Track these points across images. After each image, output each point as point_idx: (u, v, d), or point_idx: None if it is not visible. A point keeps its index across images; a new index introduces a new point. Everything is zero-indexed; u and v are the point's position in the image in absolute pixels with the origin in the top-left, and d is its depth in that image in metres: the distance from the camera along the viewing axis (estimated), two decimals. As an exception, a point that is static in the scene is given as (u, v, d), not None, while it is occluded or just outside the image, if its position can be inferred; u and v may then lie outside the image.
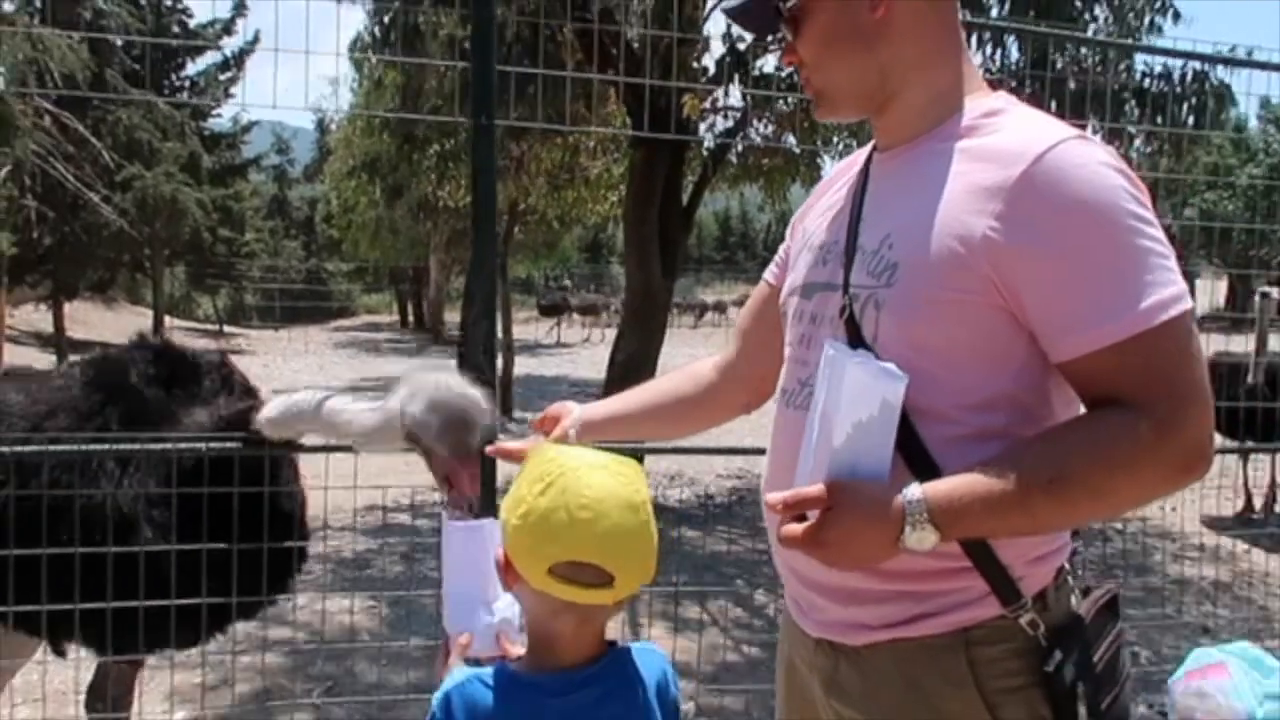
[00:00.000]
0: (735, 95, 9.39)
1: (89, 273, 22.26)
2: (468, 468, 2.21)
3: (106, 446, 2.77)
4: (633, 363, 9.34)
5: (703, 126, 9.75)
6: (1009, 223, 1.35)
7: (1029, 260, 1.35)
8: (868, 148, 1.65)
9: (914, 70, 1.51)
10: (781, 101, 8.78)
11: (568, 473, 1.36)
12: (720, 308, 37.63)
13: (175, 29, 26.49)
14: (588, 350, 25.90)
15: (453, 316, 32.03)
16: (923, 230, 1.41)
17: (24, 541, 2.63)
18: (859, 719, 1.50)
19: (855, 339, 1.46)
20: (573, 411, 2.04)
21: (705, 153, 10.27)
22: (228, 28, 27.63)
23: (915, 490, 1.32)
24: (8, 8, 11.94)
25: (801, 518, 1.36)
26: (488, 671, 1.44)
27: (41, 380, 2.97)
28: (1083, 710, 1.40)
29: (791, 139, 9.94)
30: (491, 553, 1.50)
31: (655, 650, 1.55)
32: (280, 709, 4.50)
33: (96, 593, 2.65)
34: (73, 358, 3.47)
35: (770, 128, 9.63)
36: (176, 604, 2.71)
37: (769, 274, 1.86)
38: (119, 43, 18.27)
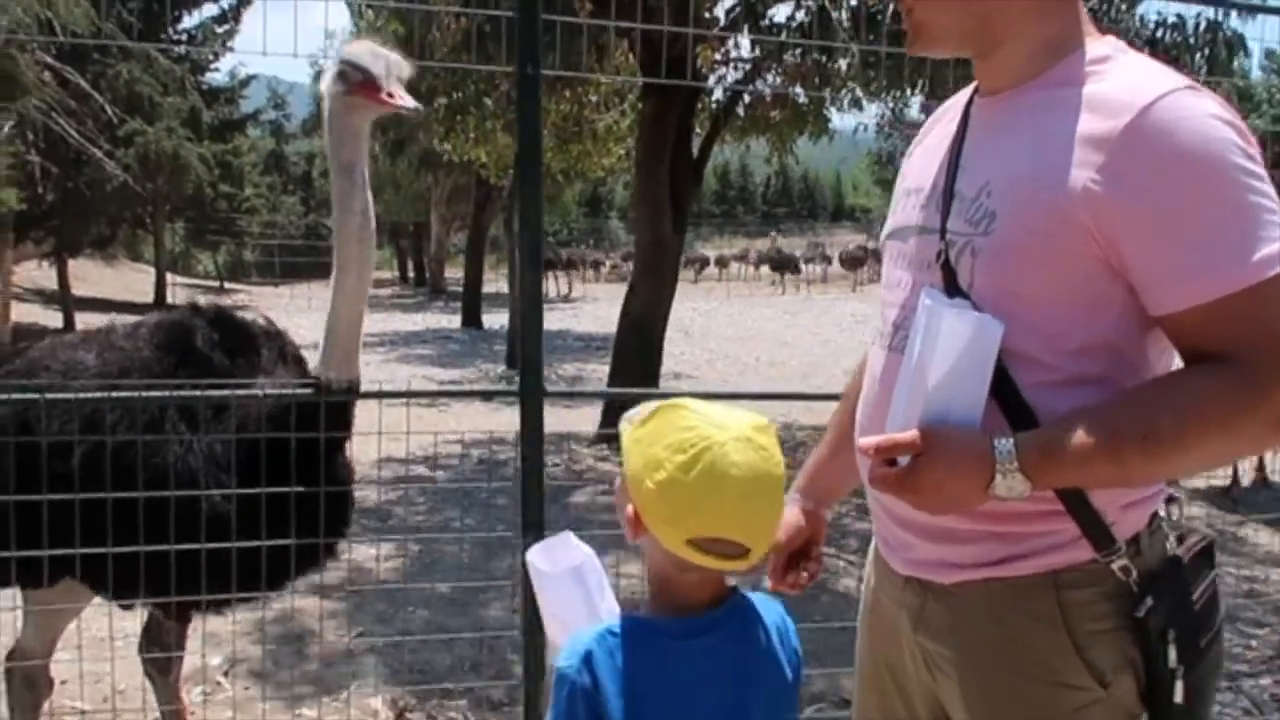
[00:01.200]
0: (745, 46, 9.36)
1: (92, 229, 22.16)
2: (399, 89, 2.61)
3: (223, 392, 2.78)
4: (644, 316, 9.40)
5: (712, 79, 9.72)
6: (1112, 175, 1.34)
7: (1131, 214, 1.34)
8: (969, 89, 1.65)
9: (1022, 17, 1.49)
10: (790, 53, 8.76)
11: (714, 446, 1.34)
12: (722, 262, 37.54)
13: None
14: (590, 305, 25.94)
15: (454, 272, 31.99)
16: (1024, 179, 1.41)
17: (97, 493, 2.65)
18: (946, 653, 1.53)
19: (951, 285, 1.46)
20: (796, 515, 1.84)
21: (715, 105, 10.25)
22: (224, -21, 27.33)
23: (1007, 439, 1.34)
24: (8, -40, 11.82)
25: (893, 461, 1.39)
26: (614, 622, 1.45)
27: (102, 340, 2.95)
28: (1173, 653, 1.41)
29: (800, 91, 9.91)
30: (594, 594, 1.53)
31: (774, 599, 1.56)
32: (312, 652, 4.61)
33: (164, 544, 2.66)
34: (123, 318, 3.45)
35: (779, 80, 9.60)
36: (261, 545, 2.73)
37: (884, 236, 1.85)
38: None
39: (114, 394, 2.71)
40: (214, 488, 2.76)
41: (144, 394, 2.71)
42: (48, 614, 3.00)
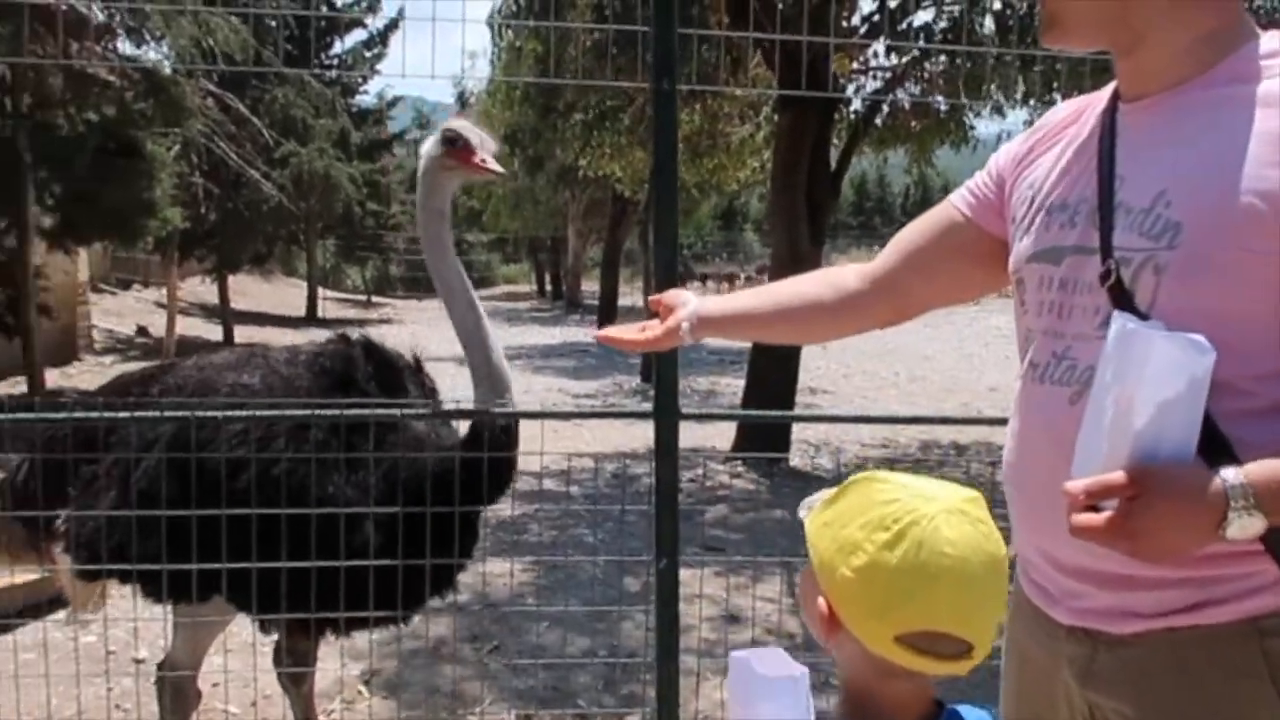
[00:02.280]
0: (883, 55, 9.15)
1: (250, 247, 23.31)
2: (489, 158, 2.97)
3: (401, 412, 3.00)
4: (779, 330, 9.24)
5: (850, 89, 9.53)
6: None
7: None
8: (1101, 95, 1.53)
9: (1168, 9, 1.37)
10: (932, 60, 8.52)
11: (921, 521, 1.15)
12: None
13: (323, 9, 27.36)
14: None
15: (590, 285, 32.38)
16: (1210, 185, 1.29)
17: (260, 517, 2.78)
18: (1122, 710, 1.40)
19: (1124, 306, 1.33)
20: (688, 303, 1.91)
21: (853, 115, 10.05)
22: (372, 6, 28.44)
23: (1235, 473, 1.20)
24: (175, -8, 12.55)
25: (1093, 507, 1.23)
26: None
27: (263, 365, 3.09)
28: None
29: (941, 99, 9.63)
30: (806, 713, 1.26)
31: (983, 710, 1.33)
32: (446, 667, 4.65)
33: (306, 569, 2.78)
34: (309, 335, 3.58)
35: (919, 88, 9.35)
36: (398, 565, 2.82)
37: (960, 201, 1.72)
38: (273, 23, 18.99)
39: (320, 412, 2.89)
40: (365, 518, 2.85)
41: (346, 413, 2.91)
42: (196, 627, 3.09)
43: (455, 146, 2.96)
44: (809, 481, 8.97)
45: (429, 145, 3.03)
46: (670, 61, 2.61)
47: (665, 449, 2.75)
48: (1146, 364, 1.22)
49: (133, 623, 3.78)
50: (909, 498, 1.18)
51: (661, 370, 2.80)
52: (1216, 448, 1.26)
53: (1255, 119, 1.29)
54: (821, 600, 1.22)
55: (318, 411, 2.85)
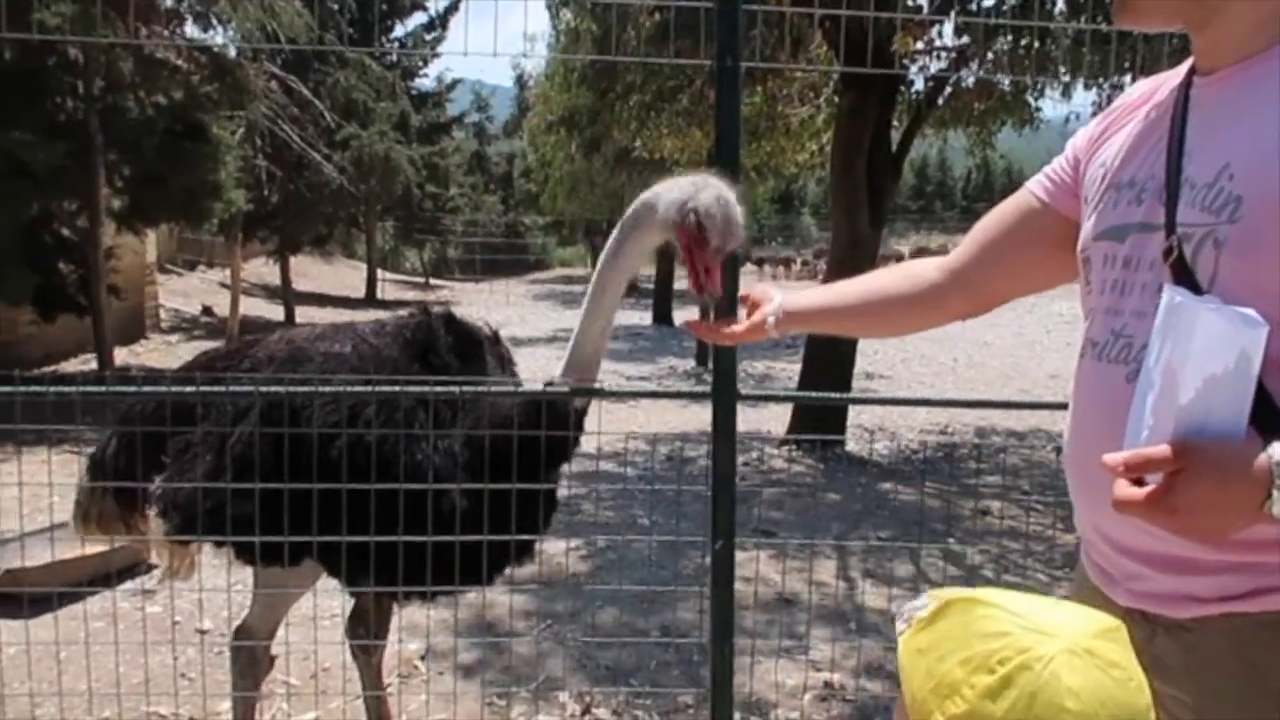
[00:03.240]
0: (948, 35, 8.98)
1: (311, 228, 23.66)
2: (719, 265, 2.38)
3: (484, 387, 2.95)
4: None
5: (914, 69, 9.39)
6: None
7: None
8: (1176, 73, 1.50)
9: None
10: (999, 38, 8.34)
11: (1034, 665, 0.93)
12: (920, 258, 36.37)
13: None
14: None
15: (645, 269, 32.39)
16: (1272, 157, 1.26)
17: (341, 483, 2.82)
18: (1180, 696, 1.38)
19: (1185, 283, 1.31)
20: (774, 298, 1.95)
21: (915, 96, 9.89)
22: (433, -11, 28.61)
23: None
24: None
25: (1139, 481, 1.21)
26: None
27: (354, 336, 3.15)
28: None
29: (1006, 81, 9.44)
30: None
31: None
32: (503, 644, 4.70)
33: (393, 535, 2.81)
34: (368, 316, 3.64)
35: (985, 68, 9.17)
36: (483, 541, 2.84)
37: (1037, 187, 1.70)
38: (336, 6, 19.23)
39: (412, 388, 2.87)
40: (452, 483, 2.88)
41: (440, 388, 2.88)
42: (276, 595, 3.16)
43: (690, 231, 2.38)
44: (863, 466, 8.91)
45: (665, 203, 2.45)
46: (734, 38, 2.59)
47: (723, 430, 2.74)
48: (1193, 337, 1.20)
49: (197, 594, 3.88)
50: (1021, 631, 0.97)
51: (720, 352, 2.79)
52: (1273, 426, 1.22)
53: None
54: None
55: (405, 389, 2.86)
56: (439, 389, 2.88)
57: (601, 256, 2.72)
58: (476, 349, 3.17)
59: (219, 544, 3.00)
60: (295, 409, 2.87)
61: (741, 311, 2.11)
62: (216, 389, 2.93)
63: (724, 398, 2.73)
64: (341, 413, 2.86)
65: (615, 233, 2.64)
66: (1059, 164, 1.69)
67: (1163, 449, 1.19)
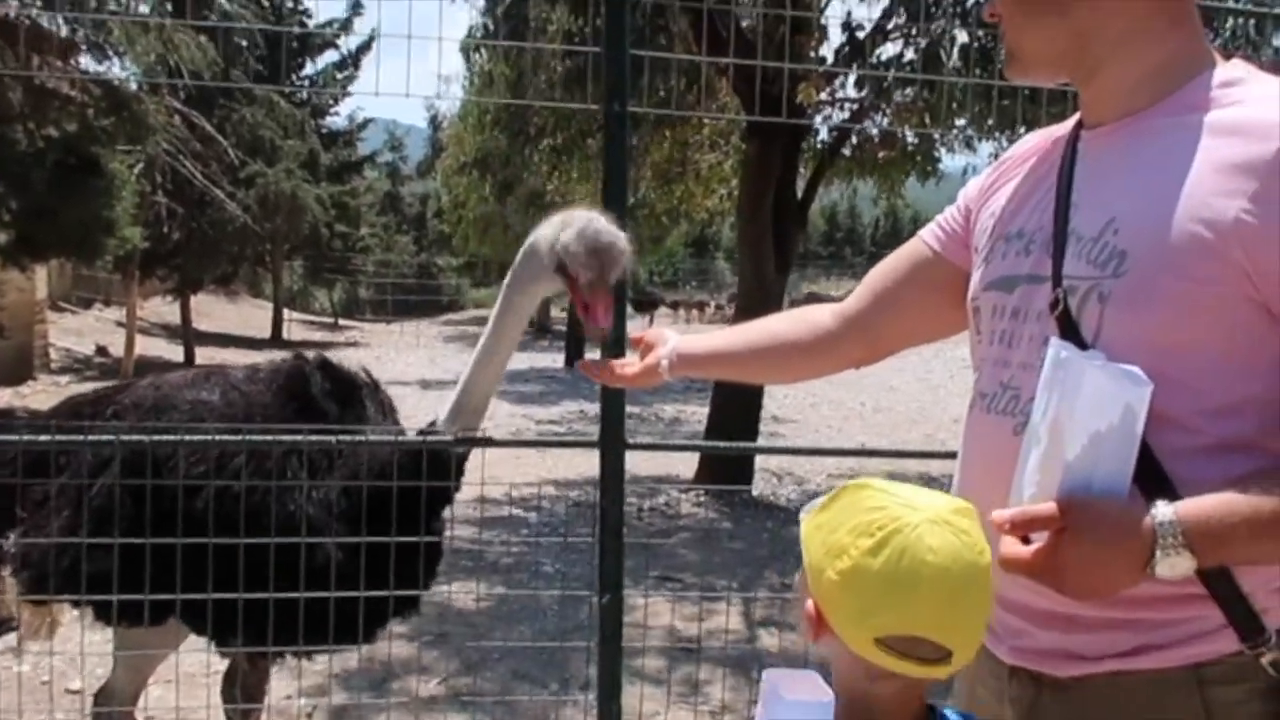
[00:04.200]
0: (851, 87, 9.18)
1: (214, 267, 23.10)
2: (605, 299, 2.32)
3: (359, 438, 2.82)
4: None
5: (818, 119, 9.57)
6: (1266, 204, 1.19)
7: None
8: (1065, 125, 1.50)
9: (1123, 39, 1.35)
10: (899, 91, 8.55)
11: (905, 529, 1.14)
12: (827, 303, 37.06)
13: (295, 29, 27.34)
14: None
15: (557, 312, 32.33)
16: (1158, 213, 1.26)
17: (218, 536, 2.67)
18: None
19: (1070, 336, 1.30)
20: (668, 340, 1.94)
21: (820, 145, 10.08)
22: (345, 26, 28.43)
23: (1166, 510, 1.16)
24: (143, 9, 12.42)
25: (1025, 539, 1.21)
26: None
27: (223, 382, 2.99)
28: None
29: (909, 132, 9.68)
30: None
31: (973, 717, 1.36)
32: (394, 696, 4.53)
33: (263, 590, 2.66)
34: (241, 355, 3.47)
35: (887, 120, 9.40)
36: (360, 596, 2.72)
37: (929, 236, 1.70)
38: (244, 43, 18.92)
39: (287, 436, 2.74)
40: (328, 536, 2.75)
41: (308, 437, 2.75)
42: (139, 656, 2.98)
43: (562, 272, 2.37)
44: (770, 511, 8.91)
45: (546, 236, 2.40)
46: (622, 84, 2.56)
47: (611, 479, 2.67)
48: (1079, 393, 1.19)
49: (69, 653, 3.65)
50: (895, 505, 1.17)
51: (608, 398, 2.73)
52: (1156, 484, 1.22)
53: (1207, 148, 1.26)
54: (810, 601, 1.23)
55: (278, 437, 2.74)
56: (313, 438, 2.76)
57: (496, 303, 2.65)
58: (355, 394, 3.04)
59: (75, 603, 2.82)
60: (158, 460, 2.71)
61: (634, 355, 2.07)
62: (73, 438, 2.75)
63: (611, 446, 2.66)
64: (208, 463, 2.72)
65: (507, 279, 2.58)
66: (950, 213, 1.69)
67: (1048, 507, 1.18)
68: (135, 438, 2.68)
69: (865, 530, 1.16)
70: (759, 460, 9.81)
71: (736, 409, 9.06)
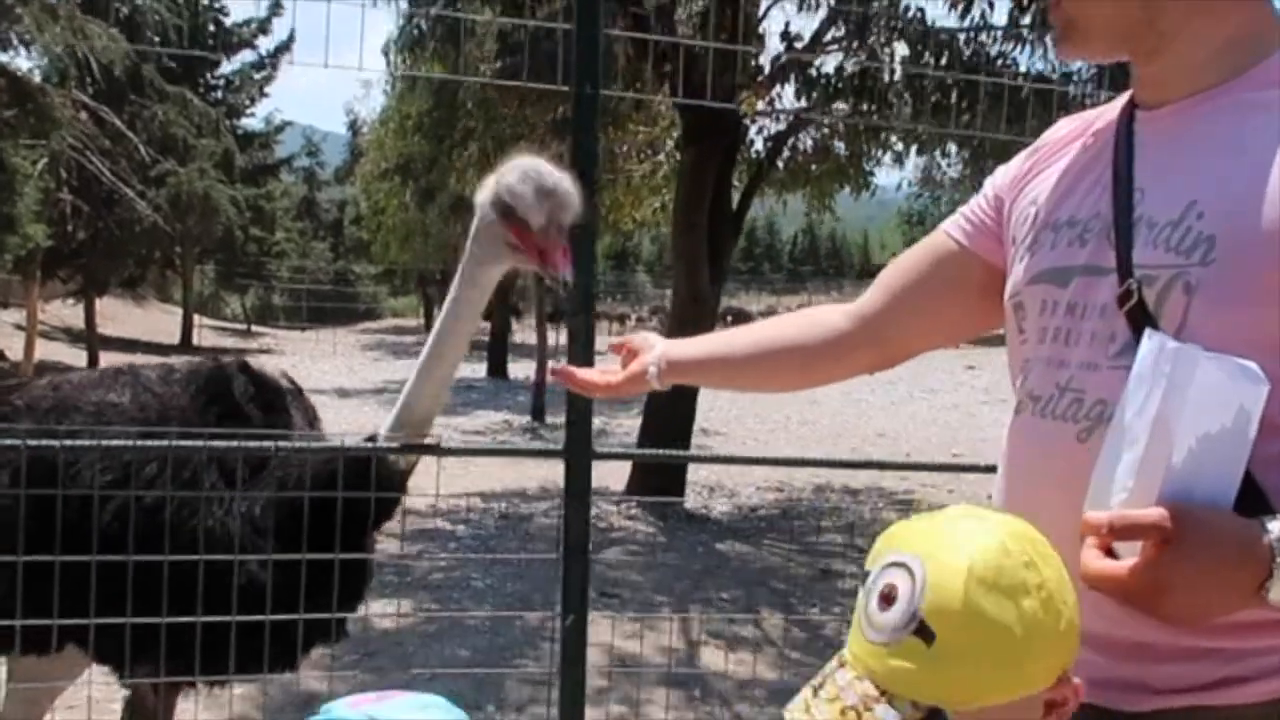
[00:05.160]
0: (789, 98, 9.16)
1: (120, 268, 22.24)
2: (559, 243, 2.17)
3: (287, 443, 2.60)
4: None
5: (753, 130, 9.55)
6: None
7: None
8: (1110, 108, 1.39)
9: (1194, 12, 1.24)
10: (835, 105, 8.56)
11: (1047, 561, 1.02)
12: (743, 316, 37.45)
13: (211, 27, 26.57)
14: (613, 359, 25.68)
15: (481, 323, 32.02)
16: (1248, 196, 1.15)
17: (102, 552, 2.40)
18: None
19: (1143, 332, 1.16)
20: (655, 346, 1.75)
21: (755, 155, 10.05)
22: (263, 27, 27.71)
23: None
24: (49, -1, 11.86)
25: (1109, 552, 1.06)
26: None
27: (133, 383, 2.71)
28: None
29: (841, 145, 9.72)
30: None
31: None
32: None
33: (160, 612, 2.41)
34: (147, 359, 3.22)
35: (822, 132, 9.41)
36: (265, 621, 2.47)
37: (954, 229, 1.55)
38: (156, 39, 18.24)
39: (214, 442, 2.48)
40: (253, 553, 2.51)
41: (229, 443, 2.50)
42: (33, 689, 2.71)
43: (511, 220, 2.20)
44: (704, 524, 8.80)
45: (483, 198, 2.27)
46: (594, 64, 2.41)
47: (576, 492, 2.49)
48: (1189, 389, 1.05)
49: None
50: (1003, 550, 1.00)
51: (574, 409, 2.55)
52: (1248, 495, 1.08)
53: None
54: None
55: (192, 443, 2.47)
56: (249, 444, 2.52)
57: (449, 296, 2.44)
58: (279, 399, 2.81)
59: None
60: (57, 469, 2.43)
61: (614, 363, 1.86)
62: None
63: (578, 457, 2.49)
64: (116, 471, 2.46)
65: (462, 263, 2.39)
66: (977, 203, 1.54)
67: (1155, 512, 1.03)
68: (44, 442, 2.40)
69: (1025, 585, 0.98)
70: (689, 473, 9.70)
71: (669, 420, 8.94)
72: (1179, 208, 1.20)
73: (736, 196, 9.88)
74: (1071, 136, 1.42)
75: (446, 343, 2.44)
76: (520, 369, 20.67)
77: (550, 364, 1.84)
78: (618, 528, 8.51)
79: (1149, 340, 1.11)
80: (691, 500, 9.50)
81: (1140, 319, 1.18)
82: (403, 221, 23.98)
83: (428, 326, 41.02)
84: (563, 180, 2.19)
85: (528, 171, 2.18)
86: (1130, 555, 1.05)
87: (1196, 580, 1.03)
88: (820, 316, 1.70)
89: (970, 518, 1.05)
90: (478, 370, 22.70)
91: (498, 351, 22.45)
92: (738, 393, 18.38)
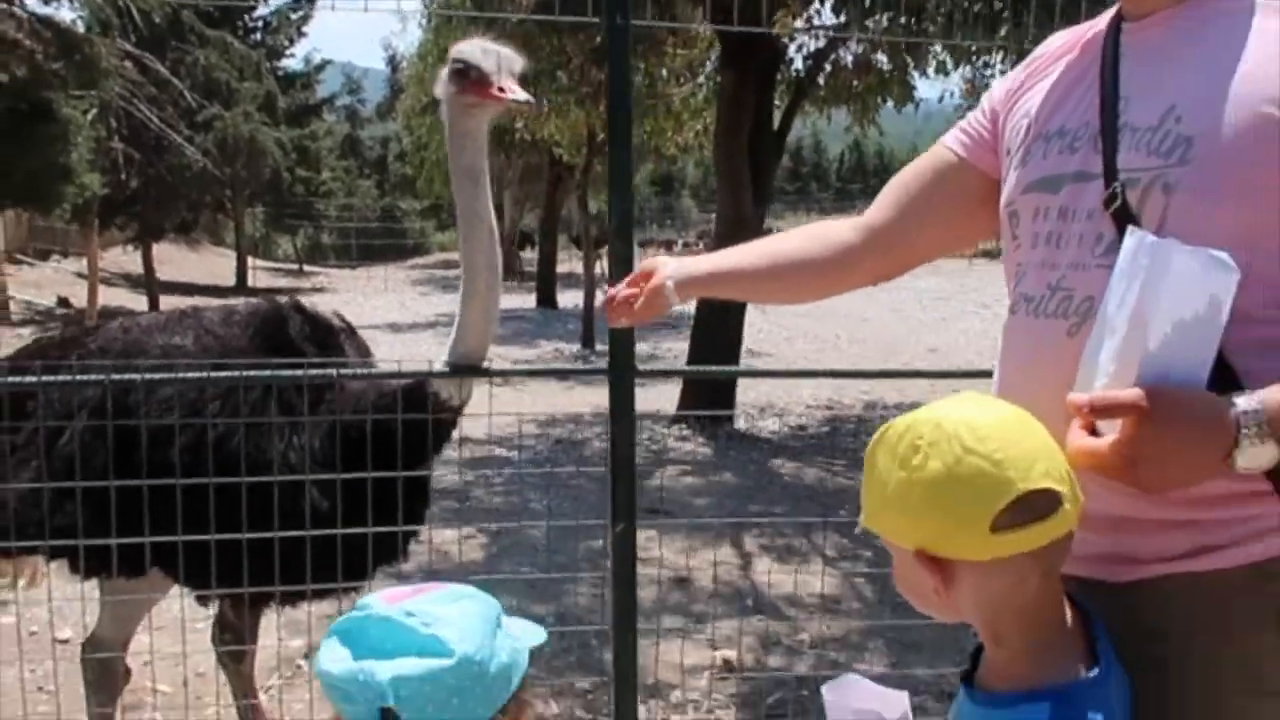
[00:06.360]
0: (827, 13, 9.03)
1: (174, 214, 22.63)
2: (513, 83, 2.47)
3: (340, 373, 2.77)
4: (724, 292, 9.18)
5: (792, 48, 9.44)
6: None
7: None
8: (1096, 22, 1.45)
9: None
10: (874, 18, 8.42)
11: (941, 422, 1.13)
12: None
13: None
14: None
15: (527, 254, 32.10)
16: (1224, 97, 1.22)
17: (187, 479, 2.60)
18: (1128, 656, 1.31)
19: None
20: (667, 264, 1.83)
21: (795, 74, 9.94)
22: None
23: (1249, 398, 1.13)
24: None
25: (1093, 432, 1.16)
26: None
27: (195, 326, 2.90)
28: None
29: (884, 58, 9.56)
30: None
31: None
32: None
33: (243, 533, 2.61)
34: (207, 301, 3.38)
35: (863, 47, 9.27)
36: (336, 535, 2.66)
37: (954, 142, 1.63)
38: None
39: (270, 373, 2.67)
40: (319, 476, 2.69)
41: (290, 373, 2.66)
42: (125, 604, 2.92)
43: (468, 79, 2.48)
44: (754, 444, 8.93)
45: (441, 83, 2.56)
46: (624, -4, 2.46)
47: (621, 410, 2.62)
48: (1164, 279, 1.13)
49: (55, 603, 3.58)
50: (918, 419, 1.15)
51: (616, 329, 2.66)
52: (1224, 378, 1.18)
53: (1266, 29, 1.23)
54: (917, 560, 1.16)
55: (260, 373, 2.65)
56: (314, 373, 2.68)
57: (460, 217, 2.62)
58: (332, 337, 2.97)
59: (54, 555, 2.74)
60: (131, 406, 2.61)
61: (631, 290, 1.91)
62: (60, 378, 2.63)
63: (621, 376, 2.61)
64: (185, 408, 2.64)
65: (454, 187, 2.63)
66: (975, 118, 1.62)
67: (1132, 392, 1.13)
68: (127, 376, 2.57)
69: (907, 454, 1.13)
70: (739, 393, 9.82)
71: (718, 342, 9.03)
72: (1159, 113, 1.27)
73: (778, 117, 9.81)
74: (1064, 50, 1.49)
75: (474, 250, 2.60)
76: (569, 299, 20.80)
77: (601, 292, 1.92)
78: (671, 448, 8.67)
79: (1130, 237, 1.19)
80: (742, 421, 9.63)
81: (1124, 219, 1.26)
82: (446, 156, 24.01)
83: (476, 260, 41.58)
84: (502, 48, 2.49)
85: (469, 42, 2.51)
86: (1112, 434, 1.14)
87: (1168, 451, 1.13)
88: (828, 230, 1.79)
89: (952, 402, 1.18)
90: (527, 301, 22.90)
91: (546, 281, 22.59)
92: (777, 307, 18.38)
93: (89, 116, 14.16)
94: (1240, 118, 1.20)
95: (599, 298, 1.98)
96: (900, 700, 1.26)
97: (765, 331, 16.12)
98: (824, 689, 1.31)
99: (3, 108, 11.53)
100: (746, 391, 10.45)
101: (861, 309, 19.49)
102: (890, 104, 9.63)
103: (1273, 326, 1.22)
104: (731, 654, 4.42)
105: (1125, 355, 1.15)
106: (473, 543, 5.94)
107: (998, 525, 1.10)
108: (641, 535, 5.74)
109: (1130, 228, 1.22)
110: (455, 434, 2.84)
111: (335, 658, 1.24)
